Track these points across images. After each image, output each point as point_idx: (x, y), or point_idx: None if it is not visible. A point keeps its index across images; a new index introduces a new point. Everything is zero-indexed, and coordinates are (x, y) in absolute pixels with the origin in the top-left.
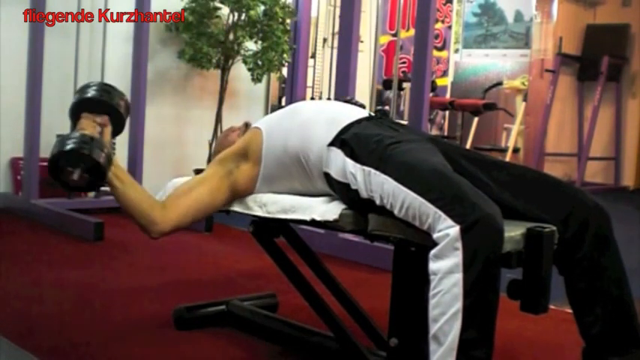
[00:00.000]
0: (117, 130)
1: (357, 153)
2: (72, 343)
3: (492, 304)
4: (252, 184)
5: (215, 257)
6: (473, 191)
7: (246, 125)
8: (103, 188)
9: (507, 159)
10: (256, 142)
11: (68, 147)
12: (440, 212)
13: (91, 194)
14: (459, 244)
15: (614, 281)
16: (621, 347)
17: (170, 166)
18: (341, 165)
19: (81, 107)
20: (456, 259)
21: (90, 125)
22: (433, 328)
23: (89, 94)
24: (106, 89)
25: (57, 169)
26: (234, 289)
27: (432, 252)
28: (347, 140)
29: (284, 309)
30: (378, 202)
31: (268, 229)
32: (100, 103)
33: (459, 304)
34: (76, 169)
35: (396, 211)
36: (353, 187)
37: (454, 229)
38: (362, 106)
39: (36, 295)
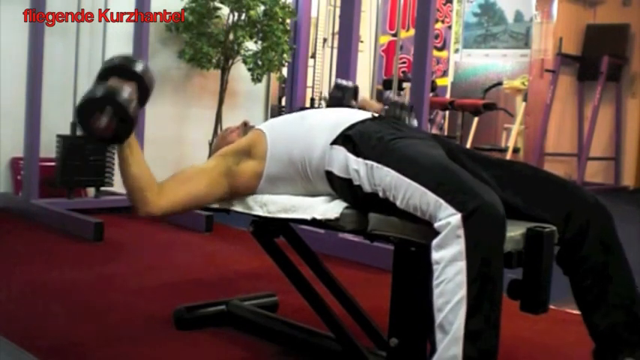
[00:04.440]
0: (142, 101)
1: (359, 148)
2: (72, 343)
3: (497, 292)
4: (253, 183)
5: (215, 257)
6: (473, 180)
7: (245, 124)
8: (103, 188)
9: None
10: (261, 145)
11: (99, 93)
12: (441, 201)
13: (91, 194)
14: (461, 232)
15: (620, 279)
16: (631, 346)
17: (170, 166)
18: (343, 161)
19: (109, 73)
20: (458, 247)
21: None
22: (438, 318)
23: (116, 62)
24: (131, 59)
25: (86, 113)
26: (234, 289)
27: (434, 241)
28: (350, 136)
29: (284, 309)
30: (381, 194)
31: (268, 229)
32: (126, 70)
33: (462, 292)
34: (105, 113)
35: (398, 202)
36: (356, 182)
37: (455, 217)
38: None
39: (36, 295)
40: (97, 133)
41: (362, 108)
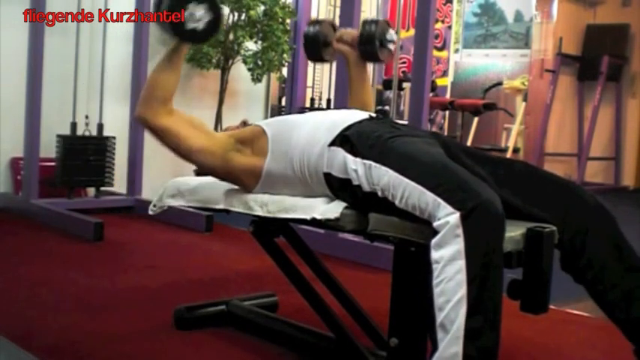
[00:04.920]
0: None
1: (357, 148)
2: (72, 343)
3: (497, 290)
4: (251, 179)
5: (215, 257)
6: (472, 179)
7: (244, 123)
8: (103, 188)
9: None
10: (262, 142)
11: None
12: (439, 200)
13: (91, 194)
14: (460, 231)
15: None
16: None
17: (170, 166)
18: (342, 162)
19: None
20: (457, 246)
21: None
22: (439, 317)
23: None
24: None
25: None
26: (234, 289)
27: (434, 241)
28: (348, 136)
29: (284, 309)
30: (379, 194)
31: (268, 229)
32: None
33: (462, 291)
34: (201, 3)
35: (397, 202)
36: (355, 182)
37: (454, 216)
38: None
39: (36, 295)
40: (190, 20)
41: (339, 39)
